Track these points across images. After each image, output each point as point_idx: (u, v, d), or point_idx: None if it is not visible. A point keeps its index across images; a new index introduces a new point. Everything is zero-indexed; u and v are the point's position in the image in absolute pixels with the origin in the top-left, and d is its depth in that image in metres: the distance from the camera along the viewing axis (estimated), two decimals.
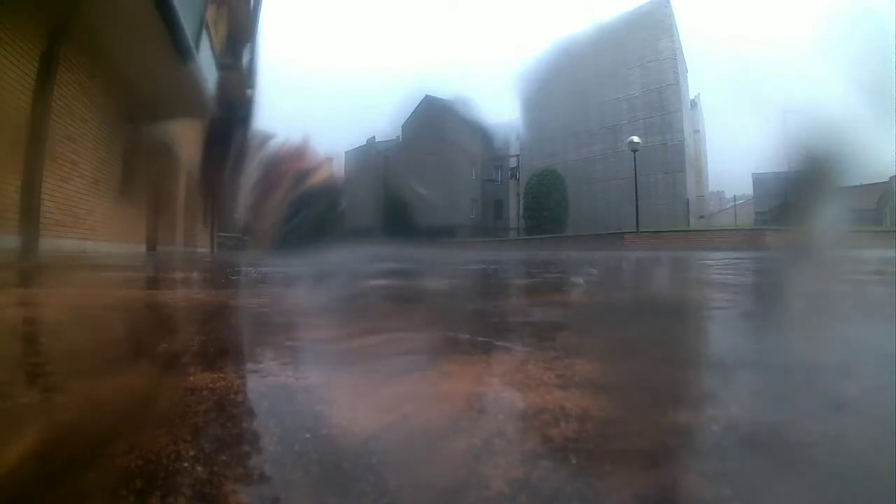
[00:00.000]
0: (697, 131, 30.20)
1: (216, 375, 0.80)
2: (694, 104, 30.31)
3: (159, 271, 4.56)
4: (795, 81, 39.63)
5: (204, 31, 8.09)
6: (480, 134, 35.32)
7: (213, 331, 1.40)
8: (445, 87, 42.39)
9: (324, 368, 0.95)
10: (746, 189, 29.15)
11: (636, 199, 18.11)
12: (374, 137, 39.89)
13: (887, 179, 20.61)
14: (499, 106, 60.63)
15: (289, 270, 4.79)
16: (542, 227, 25.18)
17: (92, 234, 7.13)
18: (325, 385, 0.78)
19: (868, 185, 19.26)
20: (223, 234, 18.67)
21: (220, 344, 1.19)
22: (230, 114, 11.48)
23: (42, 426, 0.61)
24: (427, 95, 36.42)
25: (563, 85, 30.29)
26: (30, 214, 5.46)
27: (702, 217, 28.44)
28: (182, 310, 1.89)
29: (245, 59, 12.63)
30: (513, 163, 35.44)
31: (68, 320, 1.58)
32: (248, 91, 12.89)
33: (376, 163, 38.50)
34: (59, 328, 1.44)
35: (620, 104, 28.49)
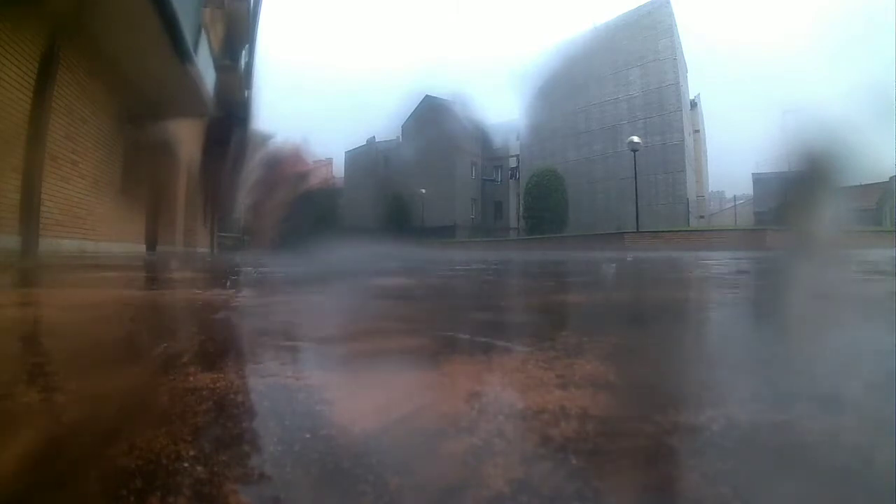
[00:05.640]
0: (697, 131, 30.21)
1: (216, 375, 0.80)
2: (694, 104, 30.31)
3: (159, 271, 4.56)
4: (795, 81, 39.69)
5: (202, 33, 8.10)
6: (480, 134, 35.32)
7: (213, 331, 1.40)
8: (445, 87, 42.42)
9: (320, 367, 0.95)
10: (746, 189, 29.20)
11: (636, 199, 18.13)
12: (374, 137, 39.94)
13: (887, 179, 20.62)
14: (499, 106, 60.76)
15: (288, 270, 4.79)
16: (542, 227, 25.20)
17: (92, 234, 7.13)
18: (322, 384, 0.78)
19: (868, 185, 19.24)
20: (223, 234, 18.67)
21: (221, 344, 1.19)
22: (229, 114, 11.50)
23: (42, 426, 0.61)
24: (427, 95, 36.47)
25: (563, 85, 30.30)
26: (30, 214, 5.46)
27: (702, 217, 28.47)
28: (182, 310, 1.89)
29: (243, 61, 12.65)
30: (513, 163, 35.46)
31: (68, 320, 1.58)
32: (247, 92, 12.91)
33: (376, 163, 38.52)
34: (59, 328, 1.44)
35: (620, 104, 28.51)
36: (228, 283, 3.19)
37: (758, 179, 27.15)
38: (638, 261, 6.93)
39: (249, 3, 12.77)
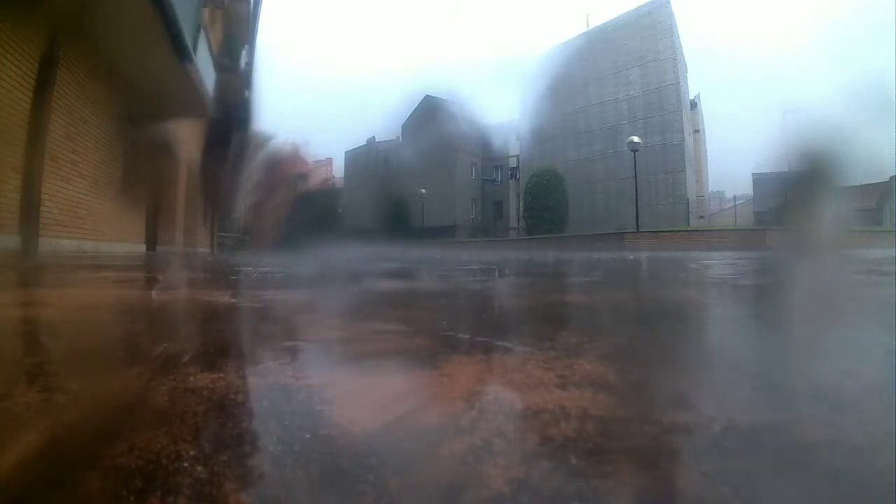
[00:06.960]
0: (697, 131, 30.20)
1: (216, 375, 0.80)
2: (694, 104, 30.30)
3: (159, 271, 4.56)
4: (795, 81, 39.71)
5: (202, 33, 8.10)
6: (480, 134, 35.32)
7: (212, 331, 1.40)
8: (445, 87, 42.37)
9: (318, 365, 0.95)
10: (746, 189, 29.19)
11: (636, 199, 18.10)
12: (374, 137, 39.93)
13: (887, 179, 20.63)
14: (499, 106, 60.77)
15: (286, 271, 4.79)
16: (542, 227, 25.20)
17: (92, 234, 7.13)
18: (321, 383, 0.78)
19: (868, 185, 19.26)
20: (223, 234, 18.68)
21: (220, 344, 1.19)
22: (229, 115, 11.49)
23: (43, 426, 0.61)
24: (427, 95, 36.47)
25: (564, 85, 30.29)
26: (30, 214, 5.47)
27: (702, 217, 28.45)
28: (181, 310, 1.89)
29: (243, 61, 12.65)
30: (513, 163, 35.44)
31: (67, 320, 1.58)
32: (247, 92, 12.90)
33: (376, 163, 38.51)
34: (58, 328, 1.44)
35: (620, 104, 28.50)
36: (227, 284, 3.19)
37: (758, 179, 27.15)
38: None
39: (249, 3, 12.76)
